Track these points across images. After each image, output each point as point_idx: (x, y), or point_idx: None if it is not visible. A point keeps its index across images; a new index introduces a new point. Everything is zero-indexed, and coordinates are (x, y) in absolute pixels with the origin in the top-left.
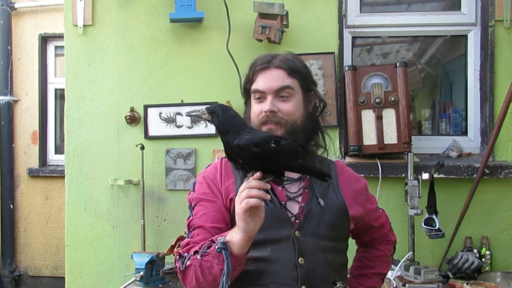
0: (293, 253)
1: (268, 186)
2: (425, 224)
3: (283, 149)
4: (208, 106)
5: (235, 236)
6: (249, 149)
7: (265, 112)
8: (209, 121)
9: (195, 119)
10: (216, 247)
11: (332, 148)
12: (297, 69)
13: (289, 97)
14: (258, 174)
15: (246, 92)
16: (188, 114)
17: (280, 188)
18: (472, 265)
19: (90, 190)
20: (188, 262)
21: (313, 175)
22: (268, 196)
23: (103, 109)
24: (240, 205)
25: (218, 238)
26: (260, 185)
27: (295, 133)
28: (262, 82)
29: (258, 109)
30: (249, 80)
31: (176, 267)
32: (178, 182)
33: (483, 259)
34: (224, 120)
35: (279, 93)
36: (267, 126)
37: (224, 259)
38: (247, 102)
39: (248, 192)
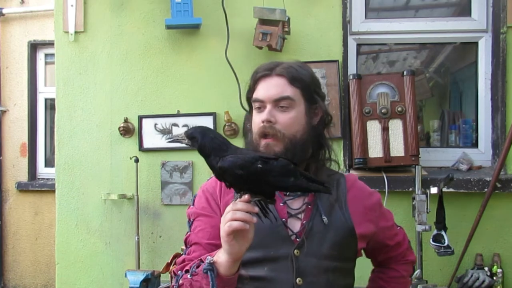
0: (290, 273)
1: (256, 209)
2: (433, 241)
3: (271, 169)
4: (186, 130)
5: (221, 257)
6: (233, 171)
7: (262, 122)
8: (189, 145)
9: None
10: (203, 267)
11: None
12: (299, 78)
13: (289, 107)
14: (246, 197)
15: (248, 102)
16: (169, 141)
17: (281, 204)
18: (483, 284)
19: (82, 205)
20: (181, 281)
21: (309, 192)
22: (254, 219)
23: (96, 120)
24: (223, 228)
25: (207, 258)
26: (247, 207)
27: (294, 149)
28: (262, 90)
29: (257, 119)
30: (250, 89)
31: (172, 285)
32: (174, 197)
33: (494, 278)
34: (204, 143)
35: (278, 103)
36: (266, 140)
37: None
38: (251, 112)
39: (232, 214)
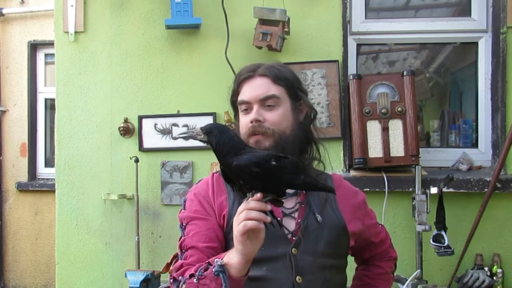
0: (290, 272)
1: (269, 207)
2: (433, 241)
3: (284, 166)
4: (202, 126)
5: (233, 258)
6: (249, 169)
7: (251, 122)
8: (204, 142)
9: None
10: (214, 270)
11: (328, 160)
12: (282, 76)
13: (275, 105)
14: (258, 195)
15: (234, 106)
16: (182, 136)
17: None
18: (483, 284)
19: (81, 205)
20: (184, 286)
21: (317, 191)
22: (268, 218)
23: (96, 120)
24: (238, 228)
25: (215, 260)
26: (260, 206)
27: (284, 144)
28: (247, 92)
29: (245, 121)
30: (235, 92)
31: None
32: (174, 197)
33: (494, 278)
34: (224, 141)
35: (265, 102)
36: (254, 137)
37: (222, 283)
38: (236, 116)
39: (247, 214)
